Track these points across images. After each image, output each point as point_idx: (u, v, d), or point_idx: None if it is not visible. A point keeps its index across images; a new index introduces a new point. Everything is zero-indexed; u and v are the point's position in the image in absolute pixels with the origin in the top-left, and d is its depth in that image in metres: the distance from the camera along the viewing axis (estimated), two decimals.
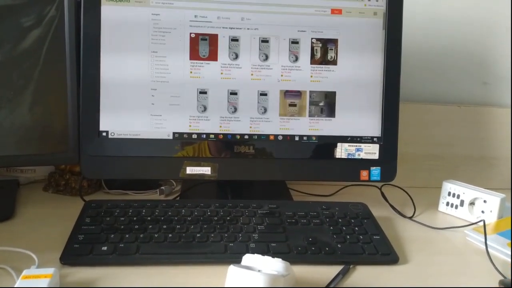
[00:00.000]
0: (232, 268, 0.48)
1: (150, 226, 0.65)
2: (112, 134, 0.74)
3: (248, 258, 0.52)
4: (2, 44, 0.68)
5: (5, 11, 0.68)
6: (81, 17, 0.72)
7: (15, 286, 0.50)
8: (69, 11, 0.71)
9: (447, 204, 0.82)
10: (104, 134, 0.74)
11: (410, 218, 0.78)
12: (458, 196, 0.81)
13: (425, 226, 0.76)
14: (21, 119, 0.71)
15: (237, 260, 0.54)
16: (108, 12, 0.72)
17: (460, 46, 1.01)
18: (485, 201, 0.78)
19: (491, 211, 0.77)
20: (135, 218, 0.67)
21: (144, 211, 0.69)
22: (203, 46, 0.74)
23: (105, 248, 0.60)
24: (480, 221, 0.73)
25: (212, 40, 0.74)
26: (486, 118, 0.99)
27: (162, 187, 0.84)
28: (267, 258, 0.51)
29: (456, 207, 0.81)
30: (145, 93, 0.74)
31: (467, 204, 0.80)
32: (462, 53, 1.02)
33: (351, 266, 0.61)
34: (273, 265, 0.50)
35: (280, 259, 0.51)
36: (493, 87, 1.04)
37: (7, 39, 0.69)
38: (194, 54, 0.74)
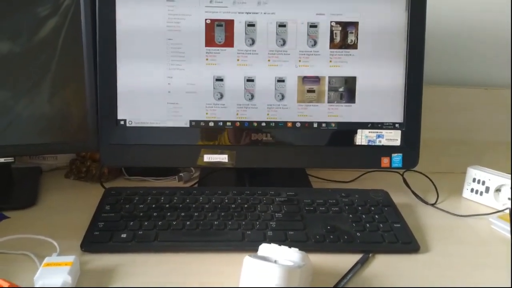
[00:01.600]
0: (247, 259, 0.47)
1: (168, 214, 0.66)
2: (130, 122, 0.74)
3: (265, 248, 0.52)
4: (20, 34, 0.69)
5: (21, 1, 0.69)
6: (96, 4, 0.71)
7: (36, 276, 0.51)
8: None
9: (472, 190, 0.80)
10: (122, 122, 0.74)
11: (433, 205, 0.77)
12: (484, 183, 0.78)
13: (448, 213, 0.74)
14: (41, 108, 0.72)
15: (254, 248, 0.54)
16: (123, 0, 0.72)
17: (487, 26, 0.97)
18: None
19: None
20: (153, 206, 0.68)
21: (162, 198, 0.69)
22: (218, 32, 0.73)
23: (124, 235, 0.61)
24: (506, 208, 0.70)
25: (228, 25, 0.73)
26: None
27: (181, 174, 0.85)
28: (284, 248, 0.51)
29: (481, 193, 0.79)
30: (161, 81, 0.73)
31: (492, 191, 0.77)
32: (489, 34, 0.98)
33: (370, 255, 0.60)
34: (290, 255, 0.50)
35: (296, 249, 0.51)
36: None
37: (24, 30, 0.69)
38: (210, 41, 0.73)
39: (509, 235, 0.65)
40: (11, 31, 0.69)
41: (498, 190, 0.77)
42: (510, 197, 0.75)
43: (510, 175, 0.77)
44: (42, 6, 0.69)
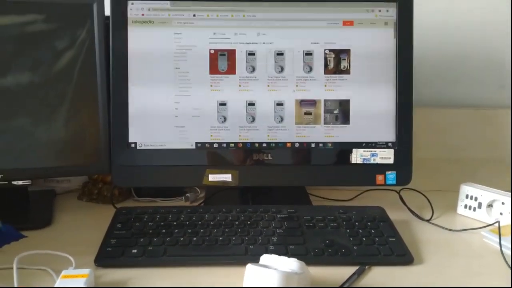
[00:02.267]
0: (249, 266, 0.51)
1: (176, 231, 0.69)
2: (140, 145, 0.79)
3: (266, 258, 0.56)
4: (39, 65, 0.75)
5: (41, 35, 0.75)
6: (110, 39, 0.77)
7: (56, 285, 0.55)
8: (98, 33, 0.77)
9: (465, 206, 0.83)
10: (132, 145, 0.79)
11: (428, 220, 0.80)
12: (476, 199, 0.81)
13: (442, 228, 0.77)
14: (57, 134, 0.76)
15: (256, 261, 0.57)
16: (134, 33, 0.78)
17: (475, 49, 1.02)
18: (503, 203, 0.78)
19: (509, 213, 0.78)
20: (162, 223, 0.71)
21: (170, 216, 0.73)
22: (222, 61, 0.79)
23: (135, 251, 0.65)
24: (496, 222, 0.74)
25: (230, 55, 0.79)
26: (503, 121, 0.99)
27: (187, 194, 0.88)
28: (283, 258, 0.54)
29: (474, 209, 0.82)
30: (169, 106, 0.79)
31: (485, 206, 0.80)
32: (477, 57, 1.02)
33: (366, 267, 0.63)
34: (289, 264, 0.53)
35: (295, 259, 0.55)
36: (510, 90, 1.04)
37: (43, 62, 0.75)
38: (214, 69, 0.79)
39: (498, 247, 0.68)
40: (32, 63, 0.74)
41: (490, 205, 0.80)
42: (501, 212, 0.78)
43: (500, 191, 0.80)
44: (60, 40, 0.75)
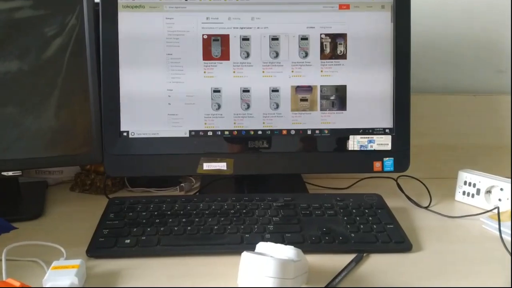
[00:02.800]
0: (245, 254, 0.50)
1: (170, 220, 0.68)
2: (133, 134, 0.78)
3: (262, 246, 0.55)
4: (28, 53, 0.73)
5: (29, 22, 0.73)
6: (99, 25, 0.76)
7: (45, 278, 0.54)
8: (88, 19, 0.75)
9: (464, 193, 0.82)
10: (125, 134, 0.78)
11: (426, 208, 0.79)
12: (474, 185, 0.81)
13: (440, 215, 0.76)
14: (47, 123, 0.75)
15: (252, 250, 0.57)
16: (124, 19, 0.76)
17: (473, 34, 1.01)
18: (501, 189, 0.78)
19: (508, 199, 0.77)
20: (156, 213, 0.70)
21: (164, 206, 0.72)
22: (215, 47, 0.77)
23: (128, 241, 0.64)
24: (495, 208, 0.73)
25: (224, 40, 0.77)
26: (502, 107, 0.98)
27: (182, 184, 0.88)
28: (280, 246, 0.53)
29: (473, 196, 0.81)
30: (162, 94, 0.77)
31: (483, 192, 0.80)
32: (475, 41, 1.01)
33: (364, 255, 0.62)
34: (285, 251, 0.52)
35: (292, 246, 0.53)
36: (508, 75, 1.03)
37: (32, 48, 0.73)
38: (207, 55, 0.77)
39: (498, 233, 0.67)
40: (20, 50, 0.72)
41: (488, 191, 0.80)
42: (500, 198, 0.78)
43: (499, 177, 0.79)
44: (49, 26, 0.73)
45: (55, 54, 0.74)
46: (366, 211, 0.72)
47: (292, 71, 0.78)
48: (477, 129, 0.97)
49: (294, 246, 0.55)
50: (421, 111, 0.91)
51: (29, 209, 0.77)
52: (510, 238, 0.67)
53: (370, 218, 0.70)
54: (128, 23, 0.76)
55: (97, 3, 0.76)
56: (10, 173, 0.75)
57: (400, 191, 0.84)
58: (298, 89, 0.79)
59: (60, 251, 0.62)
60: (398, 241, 0.65)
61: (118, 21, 0.76)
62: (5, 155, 0.74)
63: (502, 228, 0.67)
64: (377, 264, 0.61)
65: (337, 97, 0.79)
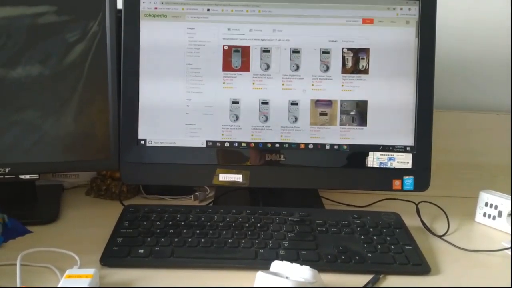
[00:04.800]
0: (260, 274, 0.49)
1: (184, 231, 0.68)
2: (150, 142, 0.77)
3: (277, 265, 0.53)
4: (50, 58, 0.74)
5: (52, 27, 0.73)
6: (121, 32, 0.76)
7: (59, 285, 0.54)
8: (110, 26, 0.75)
9: (484, 215, 0.80)
10: (142, 142, 0.77)
11: (440, 237, 0.74)
12: (496, 207, 0.78)
13: (455, 247, 0.71)
14: (66, 128, 0.75)
15: (266, 266, 0.56)
16: (146, 27, 0.76)
17: (497, 52, 0.99)
18: None
19: None
20: (170, 223, 0.70)
21: (178, 216, 0.72)
22: (235, 58, 0.77)
23: (141, 251, 0.63)
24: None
25: (244, 51, 0.77)
26: None
27: (197, 193, 0.87)
28: (295, 266, 0.52)
29: (494, 218, 0.79)
30: (180, 103, 0.77)
31: (505, 215, 0.77)
32: (499, 59, 0.99)
33: (381, 276, 0.61)
34: (301, 272, 0.51)
35: (308, 267, 0.52)
36: None
37: (53, 54, 0.74)
38: (227, 66, 0.77)
39: None
40: (42, 55, 0.73)
41: (510, 214, 0.77)
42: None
43: None
44: (71, 32, 0.74)
45: (76, 60, 0.75)
46: (384, 230, 0.70)
47: (312, 85, 0.77)
48: (500, 148, 0.95)
49: (309, 264, 0.54)
50: (443, 128, 0.89)
51: (44, 213, 0.77)
52: None
53: (388, 238, 0.68)
54: (150, 32, 0.76)
55: (120, 11, 0.76)
56: (27, 177, 0.76)
57: (418, 216, 0.79)
58: (317, 103, 0.77)
59: (74, 258, 0.61)
60: (416, 263, 0.63)
61: (140, 29, 0.76)
62: (24, 158, 0.75)
63: None
64: (394, 286, 0.59)
65: (358, 113, 0.78)
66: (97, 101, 0.77)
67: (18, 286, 0.56)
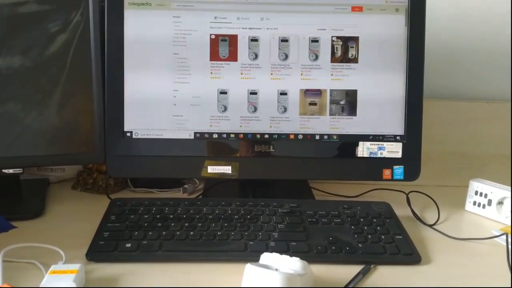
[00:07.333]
0: (249, 267, 0.48)
1: (172, 224, 0.67)
2: (136, 134, 0.76)
3: (266, 257, 0.53)
4: (31, 49, 0.71)
5: (33, 17, 0.71)
6: (105, 22, 0.74)
7: (42, 283, 0.52)
8: (93, 16, 0.73)
9: (474, 203, 0.80)
10: (128, 134, 0.76)
11: (431, 226, 0.74)
12: (486, 195, 0.79)
13: (447, 236, 0.71)
14: (49, 120, 0.73)
15: (256, 258, 0.55)
16: (130, 16, 0.74)
17: (488, 40, 0.99)
18: None
19: None
20: (158, 216, 0.69)
21: (167, 209, 0.70)
22: (223, 47, 0.75)
23: (129, 245, 0.62)
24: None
25: (232, 40, 0.75)
26: None
27: (185, 186, 0.86)
28: (285, 257, 0.51)
29: (484, 206, 0.79)
30: (167, 94, 0.75)
31: (495, 203, 0.77)
32: (490, 47, 0.99)
33: (372, 266, 0.60)
34: (291, 264, 0.51)
35: (297, 258, 0.52)
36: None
37: (35, 45, 0.71)
38: (214, 55, 0.75)
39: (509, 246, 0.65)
40: (23, 46, 0.71)
41: (500, 202, 0.77)
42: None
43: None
44: (53, 22, 0.72)
45: (58, 50, 0.73)
46: (374, 220, 0.70)
47: (301, 74, 0.76)
48: (490, 137, 0.95)
49: (299, 256, 0.53)
50: (433, 117, 0.89)
51: (29, 208, 0.76)
52: None
53: (378, 227, 0.68)
54: (134, 21, 0.74)
55: (103, 0, 0.74)
56: (11, 171, 0.74)
57: (408, 205, 0.79)
58: (307, 92, 0.76)
59: (59, 254, 0.60)
60: (407, 253, 0.63)
61: (124, 19, 0.74)
62: (7, 152, 0.73)
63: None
64: (385, 276, 0.59)
65: (347, 102, 0.77)
66: (81, 93, 0.75)
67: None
